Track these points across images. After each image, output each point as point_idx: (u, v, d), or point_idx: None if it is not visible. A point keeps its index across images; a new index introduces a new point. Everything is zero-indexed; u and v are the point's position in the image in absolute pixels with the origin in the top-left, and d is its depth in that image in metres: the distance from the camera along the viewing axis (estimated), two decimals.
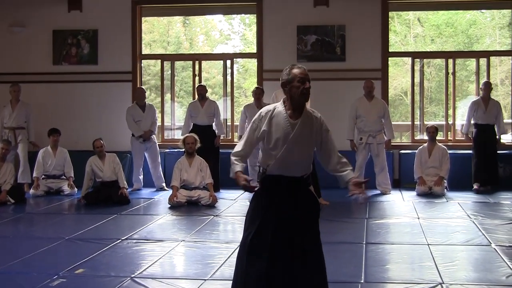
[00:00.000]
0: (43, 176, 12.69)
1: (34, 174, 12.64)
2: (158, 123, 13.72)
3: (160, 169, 13.27)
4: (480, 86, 13.02)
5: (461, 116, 14.99)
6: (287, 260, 5.12)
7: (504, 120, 13.19)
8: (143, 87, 13.84)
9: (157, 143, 13.45)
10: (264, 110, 5.30)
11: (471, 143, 12.75)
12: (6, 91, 13.42)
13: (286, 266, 5.12)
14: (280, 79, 5.24)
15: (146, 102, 13.38)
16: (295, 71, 5.18)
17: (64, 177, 12.79)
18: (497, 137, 12.70)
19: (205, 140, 12.09)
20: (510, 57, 14.12)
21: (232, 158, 5.30)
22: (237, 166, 5.26)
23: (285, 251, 5.12)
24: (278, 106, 5.26)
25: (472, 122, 12.75)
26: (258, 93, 12.86)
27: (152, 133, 13.19)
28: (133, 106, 13.35)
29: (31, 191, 12.45)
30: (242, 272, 5.21)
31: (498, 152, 12.77)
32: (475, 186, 12.38)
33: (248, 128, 5.35)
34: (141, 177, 13.32)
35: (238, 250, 5.32)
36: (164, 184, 13.06)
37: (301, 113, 5.20)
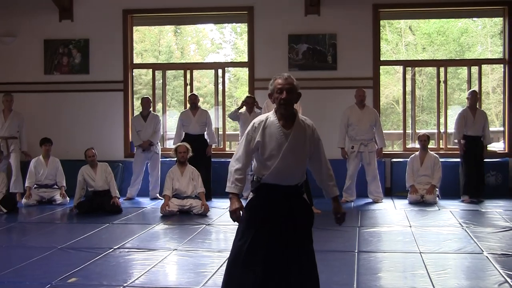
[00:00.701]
0: (35, 186, 12.67)
1: (26, 184, 12.62)
2: None
3: (158, 179, 13.23)
4: (466, 95, 12.97)
5: (453, 124, 15.02)
6: (282, 269, 5.13)
7: (496, 128, 13.19)
8: (147, 96, 13.80)
9: (160, 153, 13.46)
10: (256, 120, 5.29)
11: (463, 151, 12.68)
12: None
13: (281, 274, 5.12)
14: None
15: (151, 112, 13.42)
16: (276, 81, 5.21)
17: (56, 187, 12.77)
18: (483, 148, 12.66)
19: (197, 149, 12.10)
20: (501, 65, 14.13)
21: (235, 175, 5.27)
22: (236, 188, 5.24)
23: (280, 260, 5.13)
24: (270, 116, 5.25)
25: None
26: (250, 102, 12.89)
27: (151, 143, 13.20)
28: (137, 115, 13.47)
29: (23, 200, 12.44)
30: (236, 281, 5.22)
31: (490, 160, 12.80)
32: (465, 200, 12.29)
33: (243, 141, 5.31)
34: (137, 187, 13.33)
35: (229, 258, 5.32)
36: (158, 194, 13.05)
37: (294, 122, 5.21)
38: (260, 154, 5.21)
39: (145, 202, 12.77)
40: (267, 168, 5.20)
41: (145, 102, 13.40)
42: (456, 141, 12.73)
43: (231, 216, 5.22)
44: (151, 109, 13.53)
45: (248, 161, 5.29)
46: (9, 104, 13.29)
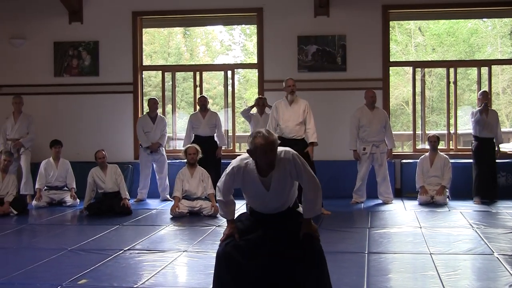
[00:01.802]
0: (45, 188, 12.69)
1: (36, 186, 12.65)
2: None
3: (167, 181, 13.25)
4: (478, 96, 12.90)
5: (463, 125, 14.96)
6: (267, 269, 5.19)
7: (506, 129, 13.13)
8: (154, 98, 13.80)
9: (165, 155, 13.47)
10: (236, 166, 5.35)
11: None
12: (7, 103, 13.49)
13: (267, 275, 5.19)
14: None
15: (158, 114, 13.41)
16: (257, 141, 5.13)
17: (66, 189, 12.80)
18: (496, 148, 12.62)
19: (207, 151, 12.10)
20: (511, 65, 14.08)
21: (221, 206, 5.54)
22: (228, 215, 5.49)
23: (266, 259, 5.21)
24: (250, 164, 5.28)
25: (472, 133, 12.66)
26: (261, 104, 12.89)
27: (160, 146, 13.21)
28: (144, 116, 13.43)
29: (34, 202, 12.47)
30: (216, 277, 5.38)
31: (500, 161, 12.72)
32: (475, 201, 12.24)
33: (225, 177, 5.43)
34: (147, 188, 13.35)
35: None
36: (168, 196, 13.07)
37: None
38: (245, 196, 5.34)
39: (155, 203, 12.78)
40: (254, 205, 5.37)
41: (153, 103, 13.37)
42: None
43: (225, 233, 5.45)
44: (158, 110, 13.53)
45: (228, 194, 5.46)
46: (19, 106, 13.34)
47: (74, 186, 12.77)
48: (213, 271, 5.43)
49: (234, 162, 5.37)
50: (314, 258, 5.21)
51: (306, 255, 5.18)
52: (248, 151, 5.24)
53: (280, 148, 5.29)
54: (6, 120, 13.33)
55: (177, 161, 13.37)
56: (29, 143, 13.32)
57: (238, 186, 5.38)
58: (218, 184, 5.45)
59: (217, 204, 5.47)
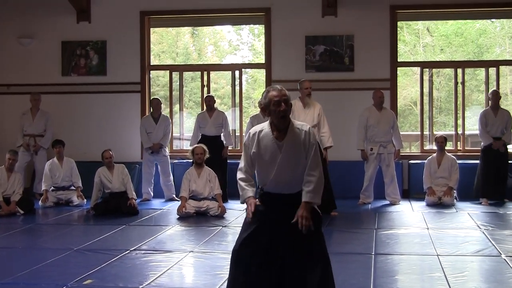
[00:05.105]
0: (52, 188, 12.69)
1: (43, 187, 12.62)
2: None
3: (171, 180, 13.24)
4: (488, 95, 12.93)
5: (471, 126, 14.90)
6: (278, 269, 5.14)
7: None
8: (158, 98, 13.80)
9: (168, 155, 13.45)
10: (252, 130, 5.32)
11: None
12: (15, 102, 13.68)
13: (277, 274, 5.13)
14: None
15: (162, 114, 13.41)
16: (271, 94, 5.19)
17: (73, 188, 12.79)
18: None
19: (213, 151, 12.07)
20: None
21: (241, 183, 5.33)
22: (249, 192, 5.28)
23: (284, 263, 5.14)
24: (265, 127, 5.26)
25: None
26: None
27: (162, 146, 13.19)
28: (147, 117, 13.44)
29: (40, 203, 12.44)
30: (230, 279, 5.33)
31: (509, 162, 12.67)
32: (483, 202, 12.20)
33: (243, 151, 5.36)
34: (151, 187, 13.32)
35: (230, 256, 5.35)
36: (174, 195, 13.05)
37: (287, 132, 5.21)
38: (257, 165, 5.25)
39: (162, 203, 12.77)
40: (266, 178, 5.24)
41: (156, 103, 13.37)
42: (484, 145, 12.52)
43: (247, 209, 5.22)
44: (162, 111, 13.52)
45: (251, 169, 5.33)
46: (37, 103, 13.59)
47: (80, 185, 12.76)
48: (228, 269, 5.40)
49: (250, 130, 5.36)
50: (315, 257, 5.17)
51: (308, 254, 5.15)
52: (261, 108, 5.28)
53: (301, 122, 5.35)
54: (23, 116, 13.56)
55: (184, 161, 13.35)
56: (48, 143, 13.45)
57: (252, 152, 5.25)
58: (239, 166, 5.39)
59: (239, 183, 5.31)
